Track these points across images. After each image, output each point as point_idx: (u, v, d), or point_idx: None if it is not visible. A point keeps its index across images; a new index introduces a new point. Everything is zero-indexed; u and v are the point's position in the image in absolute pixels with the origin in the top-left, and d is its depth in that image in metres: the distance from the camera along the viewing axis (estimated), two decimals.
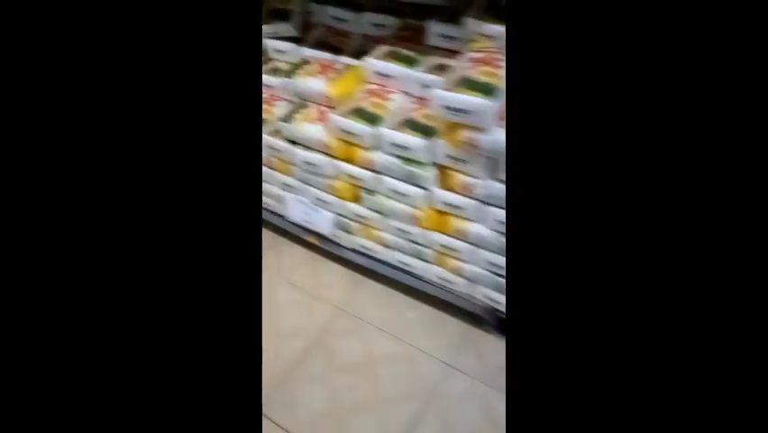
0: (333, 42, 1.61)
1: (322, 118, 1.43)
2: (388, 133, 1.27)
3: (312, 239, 1.75)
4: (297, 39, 1.63)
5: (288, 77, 1.50)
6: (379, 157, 1.33)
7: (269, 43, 1.65)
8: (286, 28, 1.60)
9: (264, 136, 1.55)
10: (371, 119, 1.31)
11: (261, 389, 0.57)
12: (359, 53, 1.53)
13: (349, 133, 1.33)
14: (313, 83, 1.45)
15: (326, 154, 1.44)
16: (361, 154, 1.36)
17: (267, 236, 1.92)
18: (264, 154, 1.60)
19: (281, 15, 1.61)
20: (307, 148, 1.48)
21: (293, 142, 1.51)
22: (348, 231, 1.63)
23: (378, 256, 1.62)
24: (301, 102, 1.51)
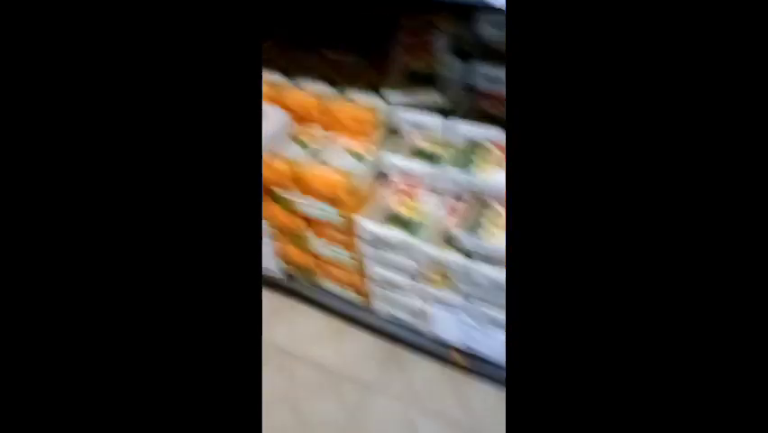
0: (491, 111, 1.25)
1: None
2: None
3: (458, 356, 1.38)
4: (442, 110, 1.25)
5: (465, 167, 1.13)
6: None
7: (403, 116, 1.27)
8: (431, 97, 1.22)
9: (413, 239, 1.16)
10: None
11: None
12: None
13: None
14: (503, 178, 1.08)
15: None
16: None
17: (384, 349, 1.52)
18: (409, 261, 1.22)
19: (420, 79, 1.23)
20: (492, 261, 1.11)
21: (468, 254, 1.14)
22: None
23: None
24: (480, 201, 1.14)
